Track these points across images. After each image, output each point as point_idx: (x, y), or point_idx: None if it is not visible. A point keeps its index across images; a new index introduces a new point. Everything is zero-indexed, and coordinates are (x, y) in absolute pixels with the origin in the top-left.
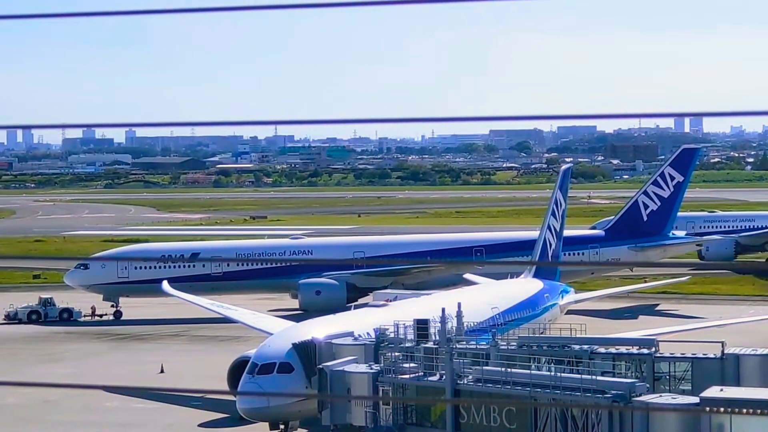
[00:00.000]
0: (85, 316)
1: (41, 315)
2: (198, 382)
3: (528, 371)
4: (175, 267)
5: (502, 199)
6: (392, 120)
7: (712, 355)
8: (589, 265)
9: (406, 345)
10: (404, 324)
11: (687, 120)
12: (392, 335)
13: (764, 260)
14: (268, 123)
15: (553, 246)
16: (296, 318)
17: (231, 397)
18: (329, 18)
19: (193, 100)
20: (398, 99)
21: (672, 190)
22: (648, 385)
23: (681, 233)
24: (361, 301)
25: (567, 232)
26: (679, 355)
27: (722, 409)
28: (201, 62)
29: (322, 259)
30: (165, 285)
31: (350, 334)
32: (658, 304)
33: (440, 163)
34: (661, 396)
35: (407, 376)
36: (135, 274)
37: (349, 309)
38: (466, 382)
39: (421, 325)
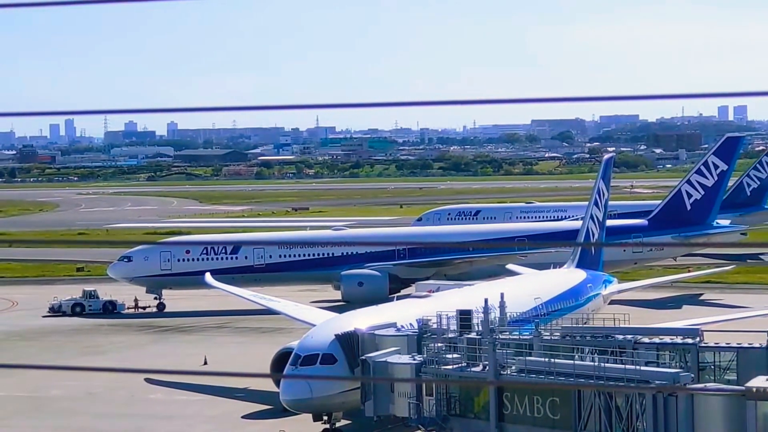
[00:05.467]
0: (128, 308)
1: (85, 307)
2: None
3: (571, 362)
4: (217, 259)
5: (545, 189)
6: (432, 103)
7: (757, 345)
8: (633, 247)
9: (449, 336)
10: (447, 315)
11: (731, 108)
12: (435, 326)
13: None
14: (308, 107)
15: (596, 235)
16: (339, 309)
17: (274, 389)
18: (365, 8)
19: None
20: (438, 89)
21: (716, 178)
22: (693, 375)
23: (725, 222)
24: (403, 292)
25: (609, 222)
26: (723, 344)
27: None
28: (235, 52)
29: (369, 242)
30: (208, 277)
31: (393, 325)
32: (702, 294)
33: (482, 153)
34: (706, 386)
35: (450, 367)
36: (178, 267)
37: (391, 300)
38: (509, 372)
39: (464, 316)
